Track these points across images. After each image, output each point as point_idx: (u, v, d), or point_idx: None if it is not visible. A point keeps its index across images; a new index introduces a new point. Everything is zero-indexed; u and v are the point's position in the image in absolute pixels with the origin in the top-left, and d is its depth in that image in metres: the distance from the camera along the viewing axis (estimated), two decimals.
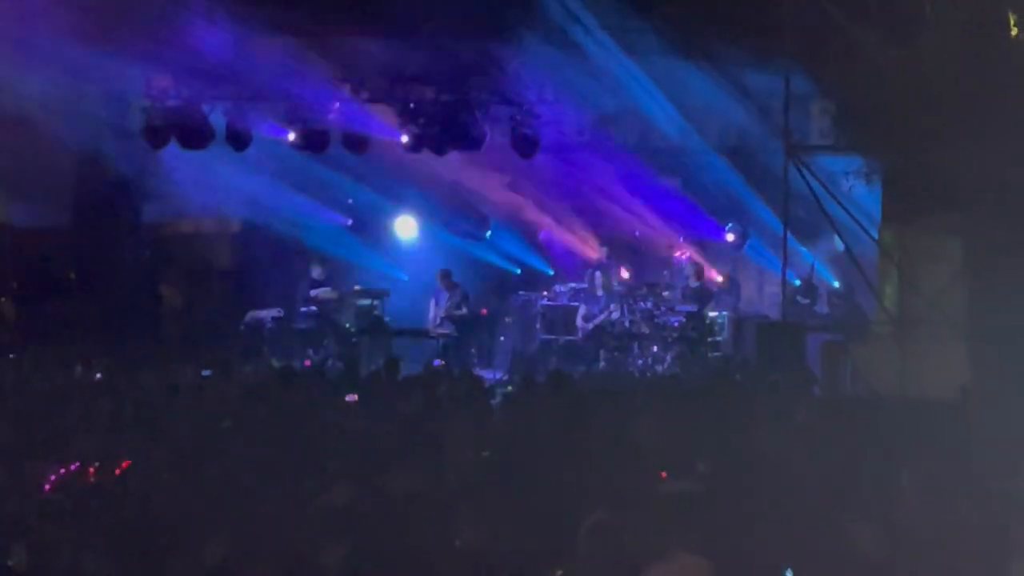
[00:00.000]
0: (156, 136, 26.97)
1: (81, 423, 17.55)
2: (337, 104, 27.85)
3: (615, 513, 12.10)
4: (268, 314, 28.19)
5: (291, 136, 28.09)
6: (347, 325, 27.86)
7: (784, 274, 26.51)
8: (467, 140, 27.43)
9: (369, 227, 30.35)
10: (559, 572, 9.46)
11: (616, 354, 27.39)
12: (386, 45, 27.18)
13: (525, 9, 25.63)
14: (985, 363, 16.74)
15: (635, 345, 27.51)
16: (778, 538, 10.85)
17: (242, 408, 19.21)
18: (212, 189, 28.89)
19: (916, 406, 19.20)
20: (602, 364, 27.15)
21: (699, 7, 24.85)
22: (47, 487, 13.97)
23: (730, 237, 29.29)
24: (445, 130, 27.36)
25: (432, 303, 28.86)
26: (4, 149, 27.32)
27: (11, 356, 24.54)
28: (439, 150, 27.75)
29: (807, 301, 28.04)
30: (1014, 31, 20.96)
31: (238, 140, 27.43)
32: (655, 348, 27.33)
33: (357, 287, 28.83)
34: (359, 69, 27.75)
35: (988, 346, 16.63)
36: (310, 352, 27.34)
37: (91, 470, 14.37)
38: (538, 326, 28.64)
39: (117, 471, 14.43)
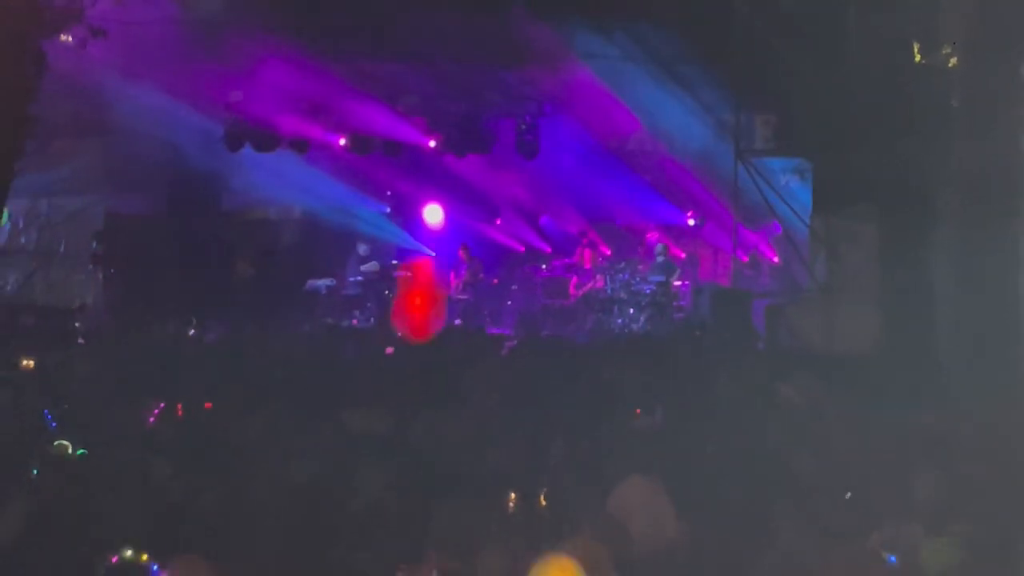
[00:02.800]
0: (233, 142, 26.95)
1: (175, 371, 17.66)
2: (379, 117, 27.85)
3: (597, 444, 12.21)
4: (323, 283, 28.20)
5: (342, 141, 28.09)
6: (386, 292, 27.81)
7: (734, 251, 26.70)
8: (481, 145, 27.50)
9: (404, 213, 30.30)
10: (544, 490, 9.34)
11: (600, 315, 27.47)
12: (419, 71, 27.19)
13: (528, 44, 25.68)
14: (891, 322, 16.72)
15: (615, 308, 27.53)
16: (723, 463, 10.90)
17: (301, 357, 19.31)
18: (278, 183, 28.87)
19: (839, 356, 19.29)
20: (589, 324, 27.21)
21: (670, 44, 24.86)
22: (151, 419, 14.07)
23: (691, 222, 29.25)
24: (464, 137, 27.39)
25: (453, 274, 28.88)
26: (116, 153, 27.47)
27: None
28: (459, 153, 27.84)
29: (752, 273, 28.03)
30: (917, 58, 20.95)
31: (299, 145, 27.45)
32: (631, 311, 27.35)
33: (394, 261, 28.80)
34: (398, 90, 27.82)
35: (895, 310, 16.62)
36: (356, 313, 27.32)
37: (179, 407, 14.51)
38: (539, 292, 28.66)
39: (207, 405, 14.56)
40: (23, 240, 27.31)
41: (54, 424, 13.40)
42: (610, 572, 6.75)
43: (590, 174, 29.32)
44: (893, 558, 6.71)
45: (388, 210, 30.27)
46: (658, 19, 24.91)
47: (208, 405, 14.58)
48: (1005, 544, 7.40)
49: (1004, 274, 15.27)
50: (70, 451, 12.23)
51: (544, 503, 9.53)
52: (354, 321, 26.72)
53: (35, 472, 10.92)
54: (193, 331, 22.69)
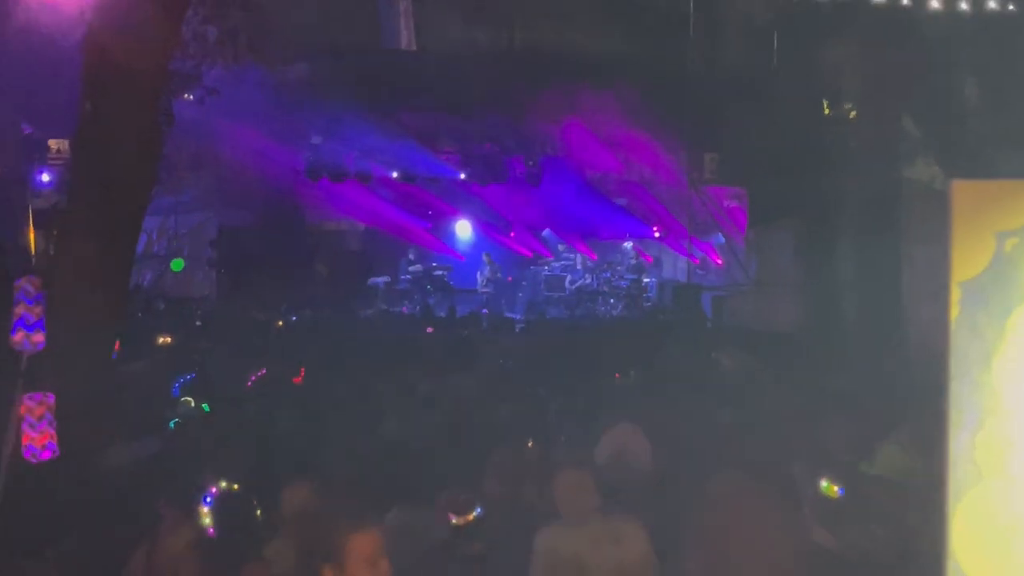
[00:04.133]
0: (313, 174, 27.01)
1: (271, 345, 17.75)
2: (423, 157, 27.95)
3: (588, 399, 12.21)
4: (380, 280, 28.12)
5: (394, 174, 28.10)
6: (427, 287, 27.78)
7: (689, 256, 26.88)
8: (499, 177, 27.52)
9: (441, 228, 30.24)
10: (531, 442, 9.30)
11: (588, 304, 27.45)
12: (453, 123, 27.32)
13: (534, 104, 25.80)
14: (806, 309, 16.69)
15: (599, 299, 27.54)
16: (681, 412, 10.89)
17: (364, 334, 19.37)
18: (347, 205, 28.97)
19: (767, 332, 19.30)
20: (580, 310, 27.18)
21: (641, 102, 24.87)
22: (249, 383, 14.08)
23: (656, 234, 29.15)
24: (487, 171, 27.39)
25: (478, 273, 28.84)
26: (225, 181, 27.54)
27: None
28: (483, 183, 27.79)
29: (703, 272, 27.98)
30: (827, 111, 20.92)
31: (362, 177, 27.44)
32: (611, 300, 27.34)
33: (434, 264, 28.77)
34: (438, 136, 27.90)
35: (808, 298, 16.60)
36: (406, 303, 27.27)
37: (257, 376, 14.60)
38: (542, 287, 28.61)
39: (301, 371, 14.64)
40: (156, 248, 27.30)
41: (176, 390, 13.46)
42: (594, 493, 6.74)
43: (580, 199, 29.31)
44: (806, 485, 6.69)
45: (430, 225, 30.20)
46: (632, 84, 25.00)
47: (302, 371, 14.66)
48: (897, 475, 7.42)
49: (887, 269, 15.29)
50: (192, 406, 12.32)
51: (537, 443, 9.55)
52: (404, 308, 26.66)
53: (173, 423, 10.99)
54: (283, 316, 22.71)
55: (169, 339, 17.59)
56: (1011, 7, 14.53)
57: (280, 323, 21.90)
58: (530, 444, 9.22)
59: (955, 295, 1.97)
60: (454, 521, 6.30)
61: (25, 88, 27.20)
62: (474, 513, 6.31)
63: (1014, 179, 2.11)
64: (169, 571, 6.25)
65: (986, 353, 1.96)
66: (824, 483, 6.57)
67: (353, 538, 4.29)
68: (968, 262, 1.92)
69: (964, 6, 13.49)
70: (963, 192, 1.94)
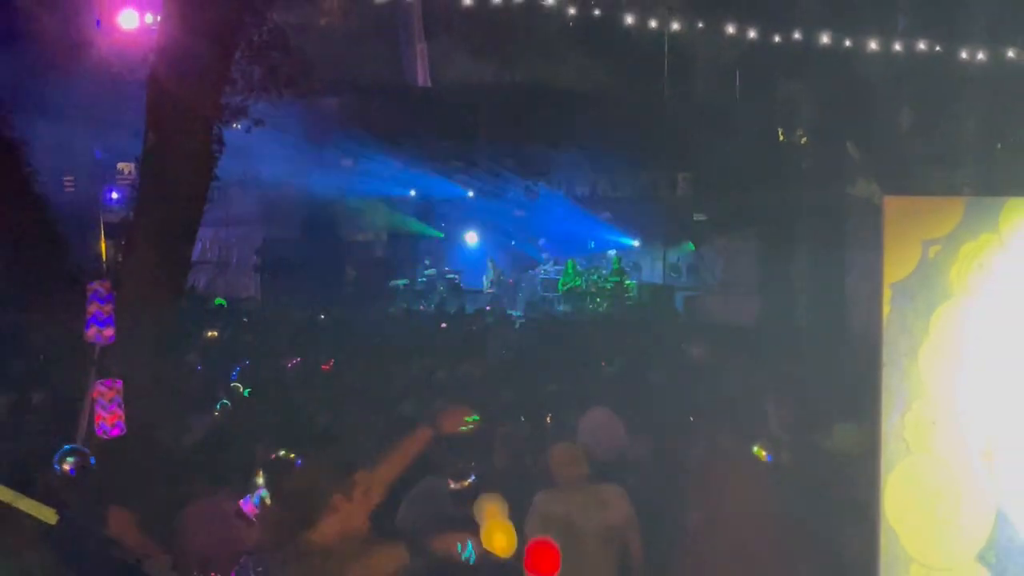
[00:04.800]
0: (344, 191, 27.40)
1: (306, 338, 17.73)
2: (438, 179, 28.14)
3: (578, 384, 12.20)
4: (400, 282, 28.18)
5: (412, 192, 28.24)
6: (440, 288, 27.73)
7: (664, 261, 26.82)
8: (502, 195, 27.62)
9: (452, 237, 30.20)
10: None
11: (578, 303, 27.27)
12: (464, 151, 27.50)
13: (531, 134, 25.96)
14: (764, 307, 16.70)
15: (587, 298, 27.42)
16: (658, 394, 10.89)
17: (387, 328, 19.38)
18: (374, 218, 29.13)
19: (732, 326, 19.31)
20: (571, 308, 27.06)
21: (621, 132, 25.02)
22: (288, 367, 14.08)
23: (635, 243, 29.11)
24: (491, 190, 27.52)
25: (484, 276, 28.80)
26: (269, 198, 27.70)
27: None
28: (488, 199, 27.95)
29: (675, 275, 27.91)
30: (781, 137, 20.92)
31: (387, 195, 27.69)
32: (598, 299, 27.22)
33: (446, 268, 28.74)
34: (450, 162, 28.07)
35: (765, 298, 16.60)
36: (422, 302, 27.21)
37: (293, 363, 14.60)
38: (539, 288, 28.53)
39: (330, 361, 14.63)
40: (209, 255, 27.33)
41: (235, 376, 13.46)
42: (584, 463, 6.76)
43: (571, 213, 29.31)
44: (763, 451, 6.71)
45: (443, 236, 30.19)
46: (615, 114, 25.13)
47: (331, 361, 14.65)
48: (851, 449, 7.43)
49: (832, 273, 15.29)
50: (241, 390, 12.32)
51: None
52: (420, 307, 26.63)
53: (220, 404, 10.99)
54: (316, 313, 22.74)
55: (217, 333, 17.60)
56: (937, 48, 14.56)
57: (315, 319, 21.90)
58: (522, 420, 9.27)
59: (887, 295, 1.98)
60: (453, 486, 6.39)
61: (98, 119, 27.27)
62: (470, 480, 6.39)
63: (937, 196, 2.11)
64: (223, 528, 6.26)
65: (913, 345, 1.97)
66: (755, 448, 6.64)
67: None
68: (898, 266, 1.93)
69: (897, 48, 13.50)
70: (894, 206, 1.95)
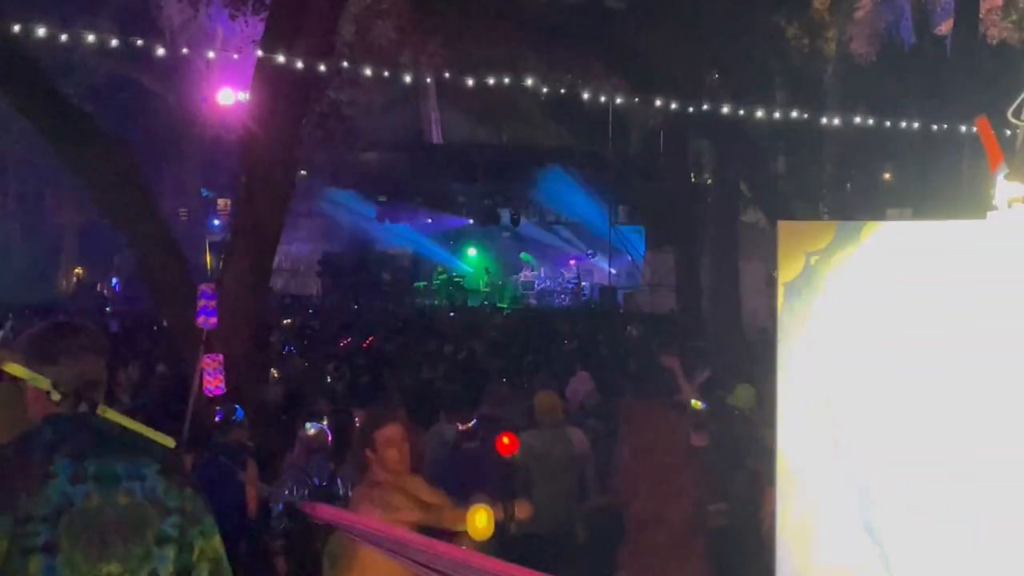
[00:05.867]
0: (381, 219, 27.45)
1: (353, 324, 17.66)
2: (446, 212, 28.29)
3: (547, 356, 12.15)
4: (421, 283, 28.08)
5: (429, 220, 28.30)
6: (450, 287, 27.42)
7: (609, 268, 26.87)
8: (493, 222, 27.62)
9: (458, 251, 30.18)
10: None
11: (548, 299, 27.26)
12: (464, 186, 27.54)
13: (515, 173, 25.95)
14: (680, 300, 16.70)
15: (555, 295, 27.44)
16: (605, 365, 10.87)
17: (411, 317, 19.32)
18: (402, 239, 29.11)
19: (657, 315, 19.33)
20: (542, 303, 26.97)
21: (578, 172, 25.05)
22: (341, 345, 14.01)
23: (589, 255, 29.13)
24: (485, 218, 27.55)
25: (480, 280, 28.74)
26: (325, 222, 27.86)
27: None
28: (483, 225, 27.93)
29: (618, 278, 27.91)
30: (693, 179, 20.91)
31: (412, 222, 27.65)
32: (562, 296, 27.28)
33: (454, 273, 28.69)
34: (453, 196, 28.16)
35: (681, 294, 16.60)
36: (437, 297, 27.02)
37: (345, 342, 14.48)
38: (520, 288, 28.27)
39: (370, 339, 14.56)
40: (284, 264, 27.28)
41: (291, 348, 13.40)
42: (559, 411, 6.76)
43: (543, 234, 29.41)
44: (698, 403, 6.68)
45: (451, 250, 30.23)
46: (572, 163, 25.27)
47: (370, 339, 14.60)
48: (746, 404, 7.42)
49: (729, 277, 15.29)
50: (305, 362, 12.23)
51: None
52: (435, 301, 26.58)
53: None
54: (361, 306, 22.77)
55: (290, 320, 17.57)
56: (804, 115, 14.56)
57: (359, 310, 21.94)
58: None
59: (780, 291, 1.97)
60: (460, 428, 6.36)
61: (204, 167, 27.11)
62: (472, 423, 6.36)
63: (816, 220, 2.12)
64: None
65: (799, 327, 1.96)
66: (693, 401, 6.63)
67: (383, 428, 4.14)
68: (788, 271, 1.93)
69: (776, 115, 13.54)
70: (785, 227, 1.95)
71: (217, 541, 2.51)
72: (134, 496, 2.40)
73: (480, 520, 3.72)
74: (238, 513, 5.81)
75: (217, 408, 6.59)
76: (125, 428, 2.53)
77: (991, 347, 1.93)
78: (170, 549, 2.42)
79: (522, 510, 4.02)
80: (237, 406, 6.51)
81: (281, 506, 5.70)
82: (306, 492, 5.73)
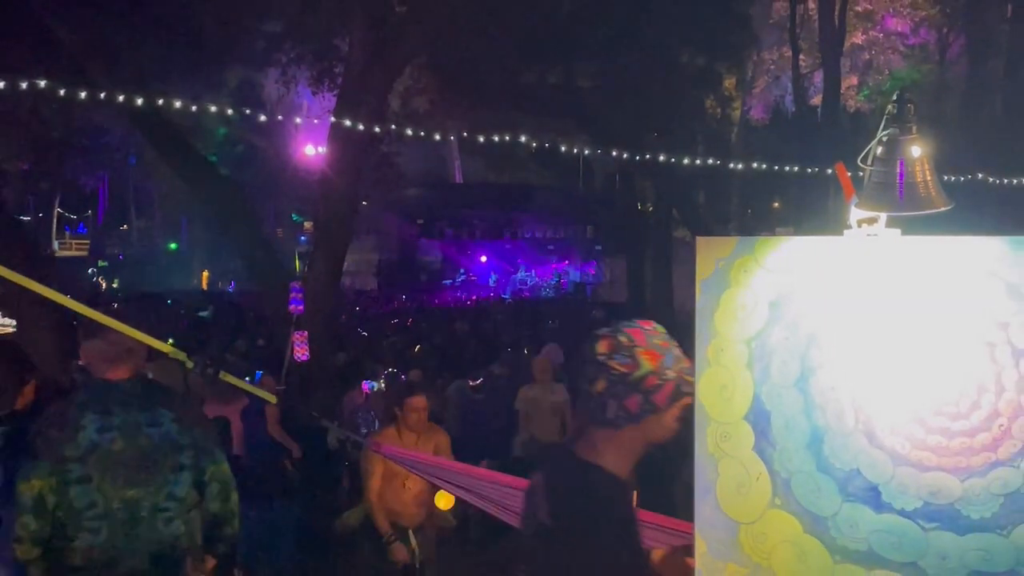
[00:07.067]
0: (421, 235, 27.24)
1: (400, 310, 17.40)
2: (462, 229, 28.08)
3: (538, 332, 11.98)
4: (447, 281, 27.93)
5: (453, 236, 28.13)
6: (467, 284, 27.58)
7: (581, 270, 26.64)
8: (495, 237, 27.47)
9: (472, 259, 29.85)
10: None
11: (536, 291, 27.15)
12: (477, 214, 27.47)
13: (515, 203, 25.79)
14: (630, 292, 16.59)
15: (542, 289, 27.20)
16: (577, 336, 10.76)
17: (440, 304, 19.04)
18: (435, 248, 28.94)
19: (614, 303, 19.18)
20: (532, 294, 26.72)
21: (555, 200, 24.82)
22: (391, 323, 13.71)
23: (567, 261, 28.91)
24: (488, 233, 27.46)
25: (489, 278, 28.52)
26: (381, 236, 27.67)
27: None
28: (487, 240, 27.84)
29: (587, 276, 27.72)
30: (640, 207, 20.66)
31: (440, 239, 27.41)
32: (547, 290, 27.12)
33: (471, 274, 28.48)
34: (471, 220, 28.04)
35: (630, 288, 16.50)
36: (459, 291, 26.88)
37: (394, 322, 14.16)
38: (517, 284, 28.20)
39: (410, 320, 14.29)
40: (350, 267, 27.14)
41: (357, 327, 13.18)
42: (550, 371, 6.73)
43: (535, 246, 29.28)
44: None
45: (467, 257, 30.10)
46: (552, 196, 25.07)
47: (410, 320, 14.43)
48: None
49: (664, 275, 15.18)
50: (364, 333, 12.08)
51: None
52: (458, 294, 26.41)
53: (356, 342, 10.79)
54: (407, 298, 22.62)
55: (357, 307, 17.42)
56: (718, 162, 14.40)
57: (404, 300, 21.78)
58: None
59: (698, 287, 1.95)
60: (471, 383, 6.37)
61: (293, 199, 26.90)
62: (480, 380, 6.36)
63: (724, 236, 2.11)
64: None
65: (712, 314, 1.95)
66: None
67: (411, 398, 4.16)
68: (703, 271, 1.92)
69: (698, 162, 13.40)
70: (702, 241, 1.93)
71: (225, 467, 2.51)
72: (152, 439, 2.38)
73: (443, 500, 3.93)
74: (318, 439, 5.82)
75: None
76: (150, 388, 2.46)
77: (845, 330, 1.87)
78: (185, 474, 2.43)
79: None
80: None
81: (348, 437, 5.68)
82: (369, 430, 5.71)
